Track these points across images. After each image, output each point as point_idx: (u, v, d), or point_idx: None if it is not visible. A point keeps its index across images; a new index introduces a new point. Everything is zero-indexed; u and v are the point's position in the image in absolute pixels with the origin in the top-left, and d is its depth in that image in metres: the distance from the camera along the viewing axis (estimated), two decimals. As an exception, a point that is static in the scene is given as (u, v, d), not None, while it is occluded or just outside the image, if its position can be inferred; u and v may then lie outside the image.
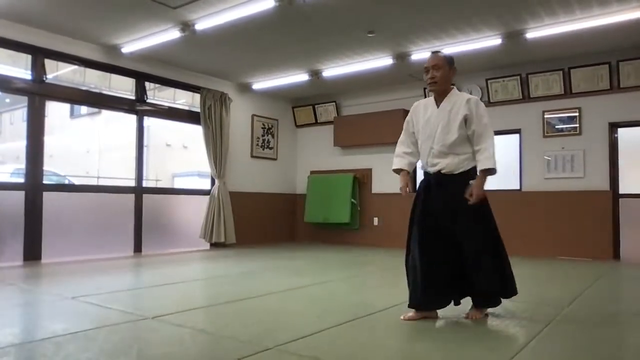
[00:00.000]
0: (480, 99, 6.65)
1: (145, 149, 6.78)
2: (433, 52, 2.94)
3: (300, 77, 7.12)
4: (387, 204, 7.53)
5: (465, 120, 2.75)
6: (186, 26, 5.22)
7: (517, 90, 6.50)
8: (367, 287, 4.18)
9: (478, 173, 2.73)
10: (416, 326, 2.66)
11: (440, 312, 2.82)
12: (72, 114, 16.54)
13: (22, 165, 5.56)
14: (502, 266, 2.78)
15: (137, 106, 6.52)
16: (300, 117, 8.72)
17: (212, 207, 7.07)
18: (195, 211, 7.11)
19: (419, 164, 3.05)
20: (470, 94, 6.77)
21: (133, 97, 6.57)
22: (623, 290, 4.22)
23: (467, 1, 4.63)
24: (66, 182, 11.93)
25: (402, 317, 2.76)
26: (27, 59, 5.56)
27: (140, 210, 6.42)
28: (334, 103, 8.24)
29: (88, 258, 5.64)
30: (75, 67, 6.20)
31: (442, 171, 2.80)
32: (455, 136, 2.76)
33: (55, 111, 14.34)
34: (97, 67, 6.18)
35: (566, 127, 6.24)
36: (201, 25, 5.16)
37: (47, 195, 5.52)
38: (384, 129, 7.40)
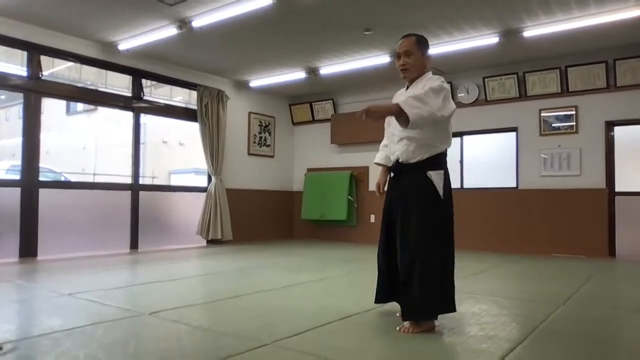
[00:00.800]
0: (478, 97, 6.80)
1: (141, 146, 6.77)
2: (405, 36, 2.68)
3: (297, 74, 7.11)
4: (384, 201, 7.52)
5: None
6: (183, 23, 5.21)
7: (514, 89, 6.51)
8: (364, 283, 4.18)
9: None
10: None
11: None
12: (68, 111, 16.46)
13: (18, 162, 5.54)
14: (430, 277, 2.41)
15: (134, 103, 6.50)
16: (297, 115, 8.72)
17: (209, 204, 7.06)
18: (192, 208, 7.10)
19: None
20: (468, 92, 6.89)
21: (129, 94, 6.55)
22: (618, 287, 4.24)
23: (465, -1, 4.64)
24: (62, 179, 11.89)
25: (398, 314, 2.76)
26: (22, 55, 5.54)
27: (136, 207, 6.41)
28: (331, 101, 8.24)
29: (84, 255, 5.63)
30: (72, 64, 6.17)
31: (400, 160, 2.59)
32: None
33: (51, 108, 14.28)
34: (94, 64, 6.15)
35: (563, 126, 6.26)
36: (198, 22, 5.15)
37: (43, 192, 5.50)
38: (380, 127, 7.35)
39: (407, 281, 2.45)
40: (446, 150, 2.61)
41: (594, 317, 2.90)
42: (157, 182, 13.77)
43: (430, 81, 2.54)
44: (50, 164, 11.40)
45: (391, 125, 2.73)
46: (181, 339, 2.31)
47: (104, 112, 13.24)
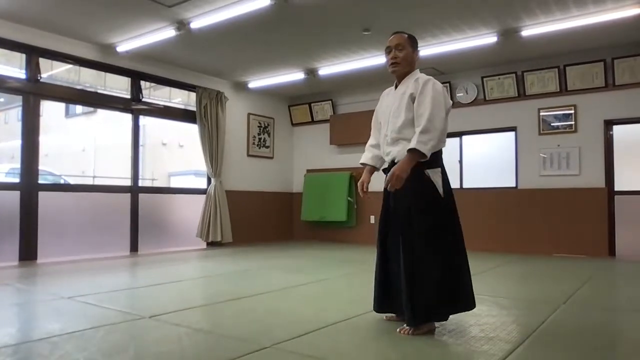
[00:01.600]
0: (476, 96, 6.80)
1: (141, 148, 6.76)
2: (395, 32, 2.70)
3: (296, 75, 7.11)
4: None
5: (413, 101, 2.51)
6: (181, 25, 5.20)
7: (513, 88, 6.51)
8: (364, 285, 4.17)
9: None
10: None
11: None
12: (67, 113, 16.46)
13: (17, 164, 5.53)
14: (437, 278, 2.40)
15: (133, 105, 6.49)
16: (296, 116, 8.71)
17: (209, 206, 7.06)
18: (191, 210, 7.10)
19: None
20: (467, 91, 6.89)
21: (128, 96, 6.54)
22: (618, 287, 4.24)
23: (463, -1, 4.64)
24: (62, 181, 11.89)
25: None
26: (21, 58, 5.53)
27: (136, 209, 6.41)
28: (330, 101, 8.24)
29: (84, 258, 5.63)
30: (70, 66, 6.17)
31: (395, 161, 2.55)
32: (402, 119, 2.53)
33: (50, 110, 14.27)
34: (92, 66, 6.15)
35: (562, 125, 6.26)
36: (197, 23, 5.15)
37: (42, 195, 5.50)
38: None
39: (412, 285, 2.41)
40: (443, 147, 2.58)
41: (594, 317, 2.89)
42: (156, 184, 13.78)
43: (427, 86, 2.51)
44: (49, 167, 11.39)
45: (382, 126, 2.72)
46: (181, 341, 2.30)
47: (103, 114, 13.23)
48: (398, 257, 2.51)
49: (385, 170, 2.71)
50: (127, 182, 6.48)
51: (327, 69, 6.80)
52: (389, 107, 2.67)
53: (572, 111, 6.19)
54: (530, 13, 4.93)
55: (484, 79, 6.68)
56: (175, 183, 15.10)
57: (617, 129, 6.05)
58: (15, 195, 5.33)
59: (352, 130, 7.81)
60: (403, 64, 2.63)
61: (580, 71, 6.05)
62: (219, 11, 4.88)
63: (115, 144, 11.58)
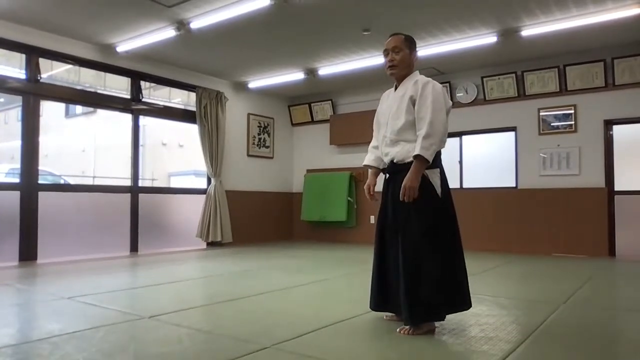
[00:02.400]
0: (476, 96, 6.80)
1: (141, 148, 6.76)
2: (393, 34, 2.71)
3: (296, 75, 7.11)
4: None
5: (413, 103, 2.52)
6: (181, 25, 5.20)
7: (513, 88, 6.51)
8: (364, 285, 4.16)
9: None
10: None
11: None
12: (67, 114, 16.46)
13: (17, 165, 5.53)
14: (435, 278, 2.40)
15: (133, 105, 6.49)
16: (296, 116, 8.71)
17: (209, 206, 7.06)
18: (191, 210, 7.10)
19: None
20: (467, 91, 6.89)
21: (128, 96, 6.54)
22: (618, 287, 4.24)
23: (463, -1, 4.64)
24: (62, 181, 11.89)
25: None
26: (21, 58, 5.53)
27: (136, 209, 6.41)
28: (329, 101, 8.24)
29: (84, 258, 5.63)
30: (70, 66, 6.17)
31: (394, 161, 2.59)
32: (402, 121, 2.54)
33: (50, 110, 14.27)
34: (92, 66, 6.15)
35: (561, 125, 6.26)
36: (196, 23, 5.15)
37: (42, 195, 5.50)
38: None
39: (411, 284, 2.41)
40: (442, 148, 2.58)
41: (594, 317, 2.89)
42: (156, 184, 13.78)
43: (426, 88, 2.52)
44: (49, 167, 11.39)
45: (381, 128, 2.73)
46: (181, 342, 2.30)
47: (103, 114, 13.24)
48: (396, 256, 2.52)
49: (384, 171, 2.72)
50: (127, 182, 6.48)
51: (327, 69, 6.80)
52: (389, 108, 2.68)
53: (572, 111, 6.19)
54: (530, 13, 4.93)
55: (484, 79, 6.68)
56: (175, 183, 15.10)
57: (617, 129, 6.05)
58: (15, 195, 5.33)
59: (352, 130, 7.82)
60: (400, 66, 2.64)
61: (580, 71, 6.05)
62: (219, 11, 4.88)
63: (115, 144, 11.59)
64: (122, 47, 5.92)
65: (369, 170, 2.86)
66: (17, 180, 5.58)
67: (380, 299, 2.67)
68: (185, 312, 2.93)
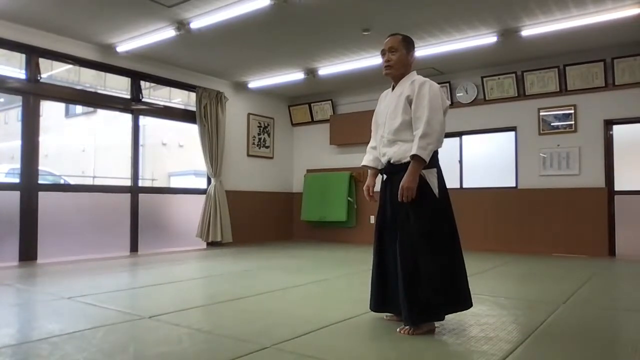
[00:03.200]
0: (476, 96, 6.80)
1: (141, 148, 6.77)
2: (391, 34, 2.72)
3: (296, 75, 7.11)
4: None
5: (410, 103, 2.52)
6: (181, 25, 5.20)
7: (513, 88, 6.51)
8: (364, 285, 4.17)
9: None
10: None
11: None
12: (67, 114, 16.46)
13: (17, 165, 5.53)
14: (434, 279, 2.40)
15: (133, 105, 6.49)
16: (296, 116, 8.71)
17: (209, 206, 7.06)
18: (191, 210, 7.10)
19: None
20: (466, 91, 6.89)
21: (128, 96, 6.54)
22: (618, 287, 4.24)
23: (463, -1, 4.64)
24: (62, 181, 11.89)
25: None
26: (21, 58, 5.53)
27: (136, 209, 6.41)
28: (329, 101, 8.24)
29: (84, 258, 5.63)
30: (70, 66, 6.18)
31: (391, 161, 2.59)
32: (399, 121, 2.54)
33: (50, 110, 14.27)
34: (92, 66, 6.15)
35: (561, 125, 6.26)
36: (196, 23, 5.15)
37: (42, 195, 5.50)
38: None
39: (410, 284, 2.41)
40: (439, 148, 2.57)
41: (594, 317, 2.89)
42: (156, 184, 13.79)
43: (423, 88, 2.51)
44: (49, 167, 11.40)
45: (379, 128, 2.72)
46: (181, 342, 2.30)
47: (103, 114, 13.25)
48: (395, 257, 2.52)
49: (382, 171, 2.72)
50: (127, 182, 6.48)
51: (327, 69, 6.80)
52: (387, 108, 2.68)
53: (572, 111, 6.19)
54: (530, 13, 4.93)
55: (484, 79, 6.68)
56: (175, 183, 15.11)
57: (617, 129, 6.05)
58: (15, 195, 5.33)
59: (352, 130, 7.82)
60: (396, 66, 2.66)
61: (580, 71, 6.05)
62: (219, 11, 4.88)
63: (115, 144, 11.60)
64: (122, 47, 5.92)
65: (369, 171, 2.86)
66: (17, 180, 5.58)
67: (380, 300, 2.67)
68: (185, 312, 2.93)
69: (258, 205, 8.05)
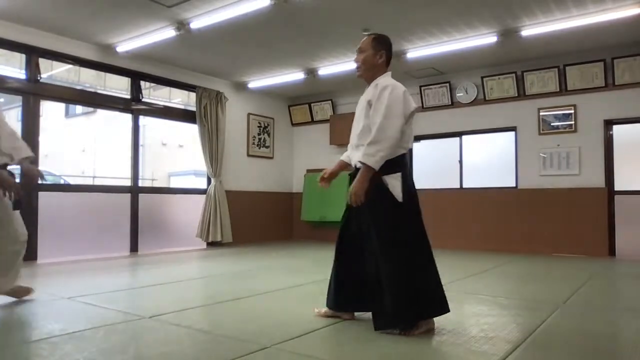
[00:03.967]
0: (476, 96, 6.80)
1: (140, 148, 6.77)
2: (366, 34, 2.67)
3: (296, 75, 7.11)
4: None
5: (371, 107, 2.50)
6: (181, 25, 5.20)
7: (513, 88, 6.51)
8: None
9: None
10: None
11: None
12: (67, 114, 16.46)
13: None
14: (397, 285, 2.37)
15: (133, 105, 6.49)
16: (296, 116, 8.71)
17: (209, 206, 7.06)
18: (191, 210, 7.10)
19: None
20: (466, 91, 6.89)
21: (128, 96, 6.54)
22: (618, 287, 4.24)
23: (463, -1, 4.65)
24: (61, 181, 11.89)
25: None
26: (21, 58, 5.54)
27: (136, 209, 6.40)
28: (329, 101, 8.23)
29: (84, 258, 5.63)
30: (70, 66, 6.18)
31: (357, 166, 2.54)
32: (361, 125, 2.55)
33: (50, 110, 14.27)
34: (92, 67, 6.14)
35: (561, 125, 6.26)
36: (196, 23, 5.15)
37: (42, 195, 5.49)
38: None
39: (375, 291, 2.42)
40: (405, 151, 2.55)
41: (594, 317, 2.89)
42: (156, 184, 13.79)
43: (383, 93, 2.47)
44: (49, 167, 11.40)
45: (352, 131, 2.73)
46: (182, 342, 2.30)
47: (102, 114, 13.25)
48: (355, 258, 2.52)
49: (351, 176, 2.64)
50: (127, 182, 6.48)
51: (327, 69, 6.80)
52: (356, 112, 2.69)
53: (572, 111, 6.19)
54: (530, 13, 4.93)
55: (484, 79, 6.68)
56: (175, 183, 15.11)
57: (617, 129, 6.05)
58: (15, 195, 5.32)
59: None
60: (363, 67, 2.62)
61: (580, 71, 6.05)
62: (219, 11, 4.88)
63: (115, 144, 11.60)
64: (122, 47, 5.92)
65: (339, 161, 2.86)
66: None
67: (340, 299, 2.65)
68: (185, 312, 2.93)
69: (258, 205, 8.05)
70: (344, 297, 2.64)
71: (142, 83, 6.63)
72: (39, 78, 5.52)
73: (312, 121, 8.54)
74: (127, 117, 6.55)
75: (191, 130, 7.36)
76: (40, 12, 4.98)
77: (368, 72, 2.61)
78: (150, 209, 6.60)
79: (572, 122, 6.18)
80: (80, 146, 15.34)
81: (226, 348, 2.22)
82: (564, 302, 3.24)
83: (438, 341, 2.34)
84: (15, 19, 5.15)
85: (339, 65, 6.65)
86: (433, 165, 7.35)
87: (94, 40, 5.80)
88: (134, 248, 6.35)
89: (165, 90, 9.53)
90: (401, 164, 2.50)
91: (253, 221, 7.92)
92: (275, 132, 8.51)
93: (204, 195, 7.16)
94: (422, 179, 7.46)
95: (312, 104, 8.45)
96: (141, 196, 6.49)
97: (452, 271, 4.62)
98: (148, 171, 14.05)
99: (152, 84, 7.51)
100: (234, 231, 7.32)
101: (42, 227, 5.45)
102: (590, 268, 4.94)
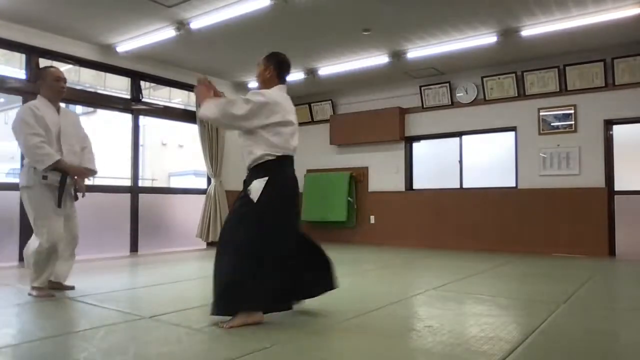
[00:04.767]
0: (476, 96, 6.80)
1: (140, 148, 6.78)
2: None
3: (295, 75, 7.10)
4: (383, 202, 7.54)
5: None
6: (181, 25, 5.21)
7: (513, 88, 6.51)
8: (365, 285, 4.18)
9: None
10: (407, 326, 2.67)
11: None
12: (67, 114, 16.41)
13: (17, 165, 5.53)
14: (225, 275, 2.56)
15: (133, 105, 6.49)
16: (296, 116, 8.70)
17: (209, 206, 7.06)
18: (191, 210, 7.10)
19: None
20: (466, 91, 6.89)
21: (128, 96, 6.55)
22: (618, 287, 4.24)
23: (463, -1, 4.65)
24: (61, 181, 11.86)
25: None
26: (21, 58, 5.54)
27: (136, 209, 6.41)
28: (329, 101, 8.23)
29: (84, 258, 5.61)
30: (70, 66, 6.17)
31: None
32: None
33: (50, 111, 14.22)
34: (92, 66, 6.15)
35: (561, 125, 6.26)
36: (196, 23, 5.15)
37: (42, 195, 5.48)
38: (380, 127, 7.41)
39: (214, 277, 2.62)
40: (277, 158, 2.69)
41: (594, 317, 2.89)
42: (156, 184, 13.79)
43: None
44: (49, 167, 11.35)
45: None
46: (182, 342, 2.30)
47: (102, 114, 13.24)
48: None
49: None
50: (127, 182, 6.48)
51: (327, 68, 6.80)
52: None
53: (572, 111, 6.19)
54: (530, 13, 4.93)
55: (484, 79, 6.68)
56: (175, 183, 15.11)
57: (617, 129, 6.05)
58: (15, 195, 5.30)
59: (352, 130, 7.82)
60: (257, 79, 2.99)
61: (580, 71, 6.06)
62: (219, 11, 4.88)
63: (115, 144, 11.59)
64: (122, 47, 5.92)
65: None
66: (17, 180, 5.57)
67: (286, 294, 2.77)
68: (185, 312, 2.93)
69: (258, 205, 8.03)
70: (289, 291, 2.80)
71: (142, 83, 6.64)
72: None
73: (312, 121, 8.53)
74: (127, 117, 6.55)
75: (191, 130, 7.35)
76: (40, 12, 4.98)
77: (261, 84, 2.94)
78: (150, 209, 6.60)
79: (572, 122, 6.18)
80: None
81: (227, 347, 2.22)
82: (564, 301, 3.24)
83: (438, 341, 2.34)
84: (15, 19, 5.15)
85: (339, 65, 6.65)
86: (433, 165, 7.35)
87: (94, 40, 5.80)
88: (134, 248, 6.35)
89: (165, 90, 9.52)
90: (272, 168, 2.68)
91: (253, 221, 7.90)
92: (275, 132, 8.49)
93: (204, 195, 7.16)
94: (422, 179, 7.48)
95: (312, 104, 8.45)
96: (141, 196, 6.49)
97: (451, 271, 4.62)
98: (148, 171, 14.05)
99: (152, 84, 7.51)
100: (234, 231, 7.30)
101: (42, 227, 5.44)
102: (590, 268, 4.94)
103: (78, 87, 7.73)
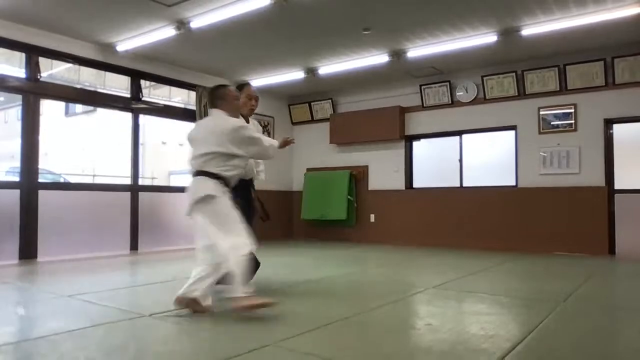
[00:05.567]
0: (476, 95, 6.81)
1: (140, 146, 6.76)
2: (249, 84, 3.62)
3: (296, 74, 7.11)
4: (383, 201, 7.54)
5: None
6: (181, 24, 5.20)
7: (513, 87, 6.51)
8: (364, 283, 4.19)
9: None
10: (407, 324, 2.67)
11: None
12: (67, 112, 16.47)
13: (17, 163, 5.53)
14: None
15: (133, 104, 6.49)
16: (296, 115, 8.71)
17: (209, 205, 7.04)
18: (191, 209, 7.07)
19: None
20: (467, 90, 6.90)
21: (128, 95, 6.54)
22: (618, 286, 4.24)
23: (463, -2, 4.64)
24: (61, 180, 11.89)
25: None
26: (21, 57, 5.53)
27: (136, 208, 6.40)
28: (330, 100, 8.23)
29: (84, 256, 5.63)
30: (70, 65, 6.17)
31: None
32: None
33: (50, 109, 14.26)
34: (92, 65, 6.14)
35: (561, 124, 6.26)
36: (196, 22, 5.15)
37: (42, 194, 5.50)
38: (380, 126, 7.41)
39: None
40: None
41: (594, 315, 2.90)
42: (156, 182, 13.78)
43: None
44: (49, 166, 11.40)
45: None
46: (181, 340, 2.31)
47: (102, 113, 13.23)
48: None
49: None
50: (127, 181, 6.48)
51: (327, 68, 6.80)
52: None
53: (572, 110, 6.19)
54: (530, 12, 4.93)
55: (484, 78, 6.68)
56: (175, 182, 15.09)
57: (617, 128, 6.05)
58: (16, 194, 5.33)
59: (352, 129, 7.82)
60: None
61: (580, 70, 6.05)
62: (219, 10, 4.88)
63: (115, 142, 11.59)
64: (122, 46, 5.92)
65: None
66: (17, 178, 5.58)
67: None
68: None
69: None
70: None
71: (142, 82, 6.63)
72: (39, 77, 5.52)
73: (312, 120, 8.54)
74: (127, 116, 6.55)
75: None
76: (40, 12, 4.97)
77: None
78: (151, 207, 6.60)
79: (572, 121, 6.18)
80: (80, 145, 15.33)
81: (226, 346, 2.22)
82: (563, 300, 3.24)
83: (438, 339, 2.34)
84: (15, 19, 5.14)
85: (339, 64, 6.64)
86: (433, 164, 7.36)
87: (94, 39, 5.80)
88: (134, 246, 6.35)
89: (165, 89, 9.51)
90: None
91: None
92: (275, 131, 8.51)
93: (204, 194, 7.15)
94: (422, 177, 7.48)
95: (312, 103, 8.45)
96: (141, 194, 6.49)
97: (452, 269, 4.62)
98: (148, 170, 14.03)
99: (152, 83, 7.51)
100: (234, 230, 7.30)
101: (42, 225, 5.45)
102: (590, 267, 4.94)
103: (78, 86, 7.73)
